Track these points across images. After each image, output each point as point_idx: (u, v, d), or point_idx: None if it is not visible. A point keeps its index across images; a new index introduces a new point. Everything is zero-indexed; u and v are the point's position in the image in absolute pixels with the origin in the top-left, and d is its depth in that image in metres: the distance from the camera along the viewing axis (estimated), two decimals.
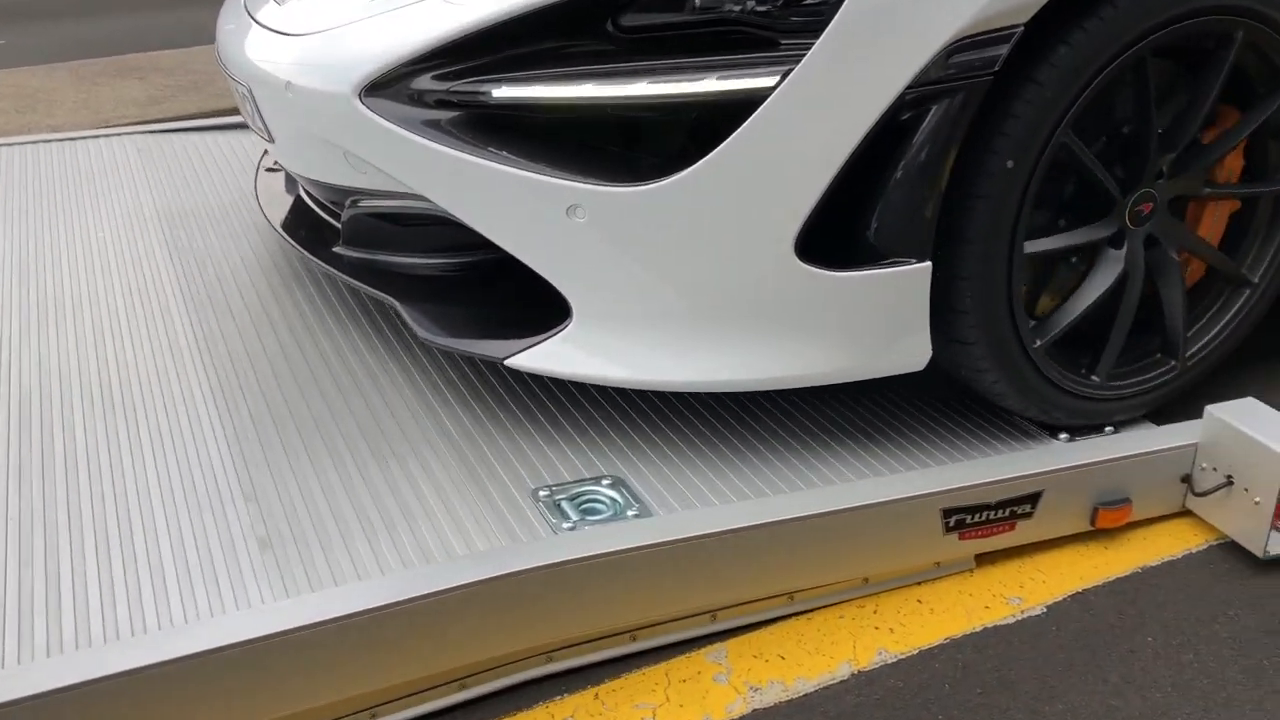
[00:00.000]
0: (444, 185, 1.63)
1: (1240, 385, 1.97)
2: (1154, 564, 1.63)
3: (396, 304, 1.80)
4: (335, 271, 1.92)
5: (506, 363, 1.66)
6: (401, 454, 1.67)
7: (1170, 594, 1.57)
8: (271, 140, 1.96)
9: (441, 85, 1.60)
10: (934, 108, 1.47)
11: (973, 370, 1.69)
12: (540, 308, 1.66)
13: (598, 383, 1.68)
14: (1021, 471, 1.58)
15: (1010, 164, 1.53)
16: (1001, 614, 1.55)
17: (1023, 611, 1.55)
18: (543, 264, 1.61)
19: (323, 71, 1.71)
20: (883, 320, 1.60)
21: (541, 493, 1.58)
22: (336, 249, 1.95)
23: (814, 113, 1.47)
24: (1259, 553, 1.60)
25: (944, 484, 1.55)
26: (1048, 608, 1.56)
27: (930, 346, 1.63)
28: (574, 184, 1.53)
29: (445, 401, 1.82)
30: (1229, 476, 1.62)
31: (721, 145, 1.48)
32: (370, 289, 1.85)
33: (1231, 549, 1.65)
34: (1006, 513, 1.60)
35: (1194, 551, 1.66)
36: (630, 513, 1.54)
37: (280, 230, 2.15)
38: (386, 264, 1.88)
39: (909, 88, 1.46)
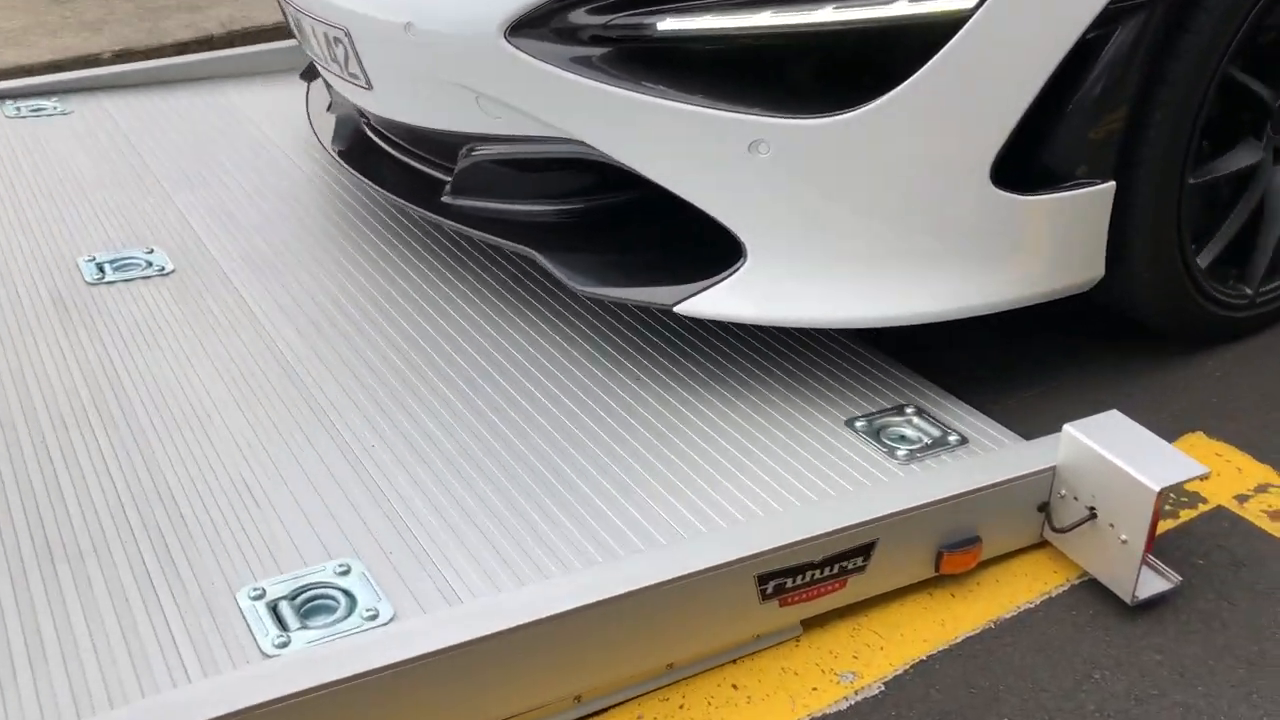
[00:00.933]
0: (603, 127, 1.56)
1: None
2: (1008, 615, 1.38)
3: (536, 254, 1.71)
4: (450, 222, 1.83)
5: (677, 309, 1.59)
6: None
7: (1027, 655, 1.32)
8: (368, 87, 1.85)
9: (597, 19, 1.52)
10: (1130, 22, 1.50)
11: (1129, 292, 1.74)
12: (698, 250, 1.62)
13: (778, 324, 1.61)
14: (849, 520, 1.31)
15: (1184, 83, 1.58)
16: (832, 697, 1.28)
17: (856, 692, 1.28)
18: (715, 205, 1.55)
19: (458, 10, 1.60)
20: (1066, 242, 1.62)
21: (250, 594, 1.24)
22: (446, 199, 1.86)
23: (1016, 33, 1.44)
24: (1127, 599, 1.36)
25: (756, 546, 1.26)
26: (885, 684, 1.29)
27: (1104, 264, 1.67)
28: (757, 118, 1.46)
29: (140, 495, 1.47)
30: (1091, 509, 1.38)
31: (918, 72, 1.43)
32: (500, 240, 1.76)
33: (1095, 589, 1.41)
34: (835, 569, 1.33)
35: (1054, 595, 1.41)
36: (365, 614, 1.21)
37: (369, 181, 2.01)
38: (509, 213, 1.82)
39: (1111, 2, 1.46)
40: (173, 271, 1.95)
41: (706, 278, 1.59)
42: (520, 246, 1.75)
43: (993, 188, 1.52)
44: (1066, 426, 1.40)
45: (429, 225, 2.17)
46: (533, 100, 1.60)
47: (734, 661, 1.31)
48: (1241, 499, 1.56)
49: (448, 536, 1.35)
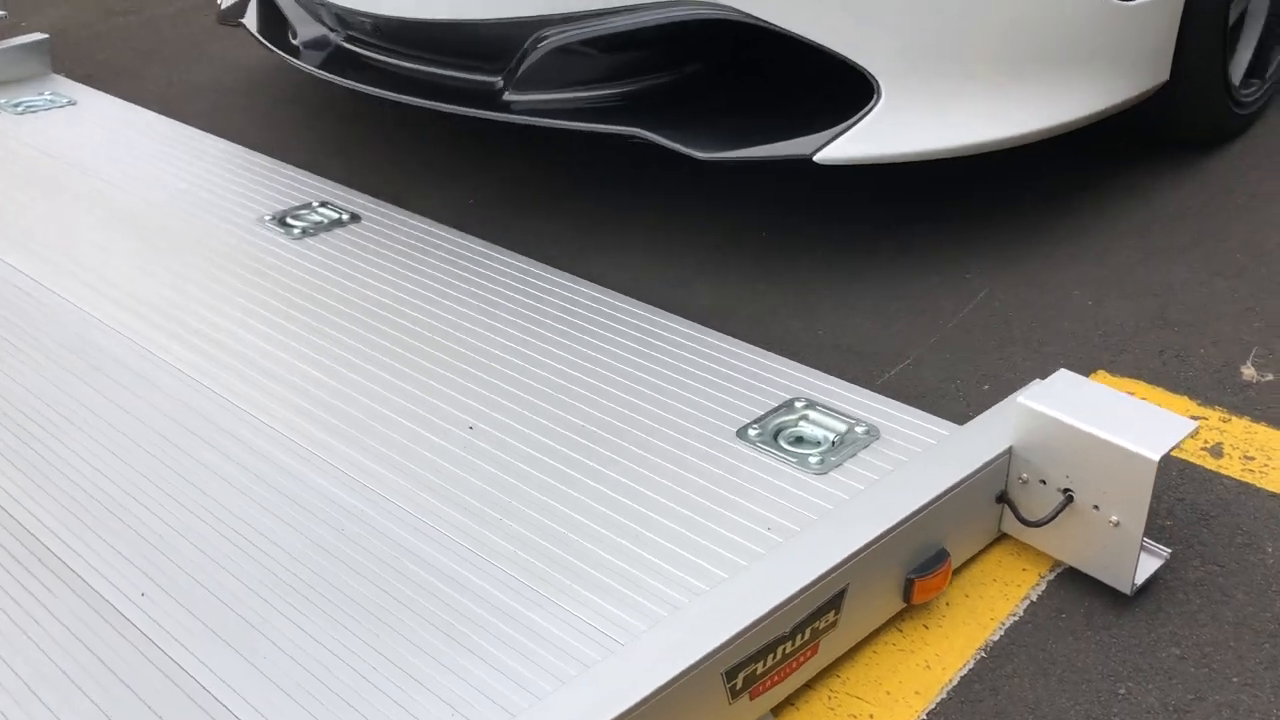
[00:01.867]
0: None
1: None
2: (996, 638, 1.14)
3: (646, 134, 1.71)
4: (521, 119, 1.82)
5: (817, 158, 1.62)
6: None
7: (1037, 683, 1.09)
8: None
9: None
10: None
11: (1176, 100, 1.94)
12: (811, 106, 1.68)
13: (915, 159, 1.64)
14: (813, 573, 1.02)
15: None
16: None
17: None
18: (849, 45, 1.59)
19: None
20: (1151, 44, 1.80)
21: None
22: (509, 96, 1.86)
23: None
24: (1125, 588, 1.15)
25: (715, 637, 0.95)
26: None
27: (1169, 69, 1.86)
28: None
29: None
30: (1066, 491, 1.16)
31: None
32: (596, 126, 1.75)
33: (1076, 581, 1.20)
34: (806, 635, 1.04)
35: (1035, 600, 1.18)
36: None
37: (399, 96, 1.98)
38: (596, 99, 1.81)
39: None
40: None
41: (836, 123, 1.63)
42: (623, 128, 1.73)
43: None
44: (1018, 398, 1.17)
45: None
46: None
47: None
48: None
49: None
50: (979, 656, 1.12)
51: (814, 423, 1.34)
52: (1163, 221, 1.88)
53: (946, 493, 1.13)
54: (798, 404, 1.38)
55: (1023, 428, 1.17)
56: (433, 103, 1.95)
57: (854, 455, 1.27)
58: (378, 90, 2.03)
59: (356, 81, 2.07)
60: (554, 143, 2.32)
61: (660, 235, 1.95)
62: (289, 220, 1.91)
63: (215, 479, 1.26)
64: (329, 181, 2.06)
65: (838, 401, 1.37)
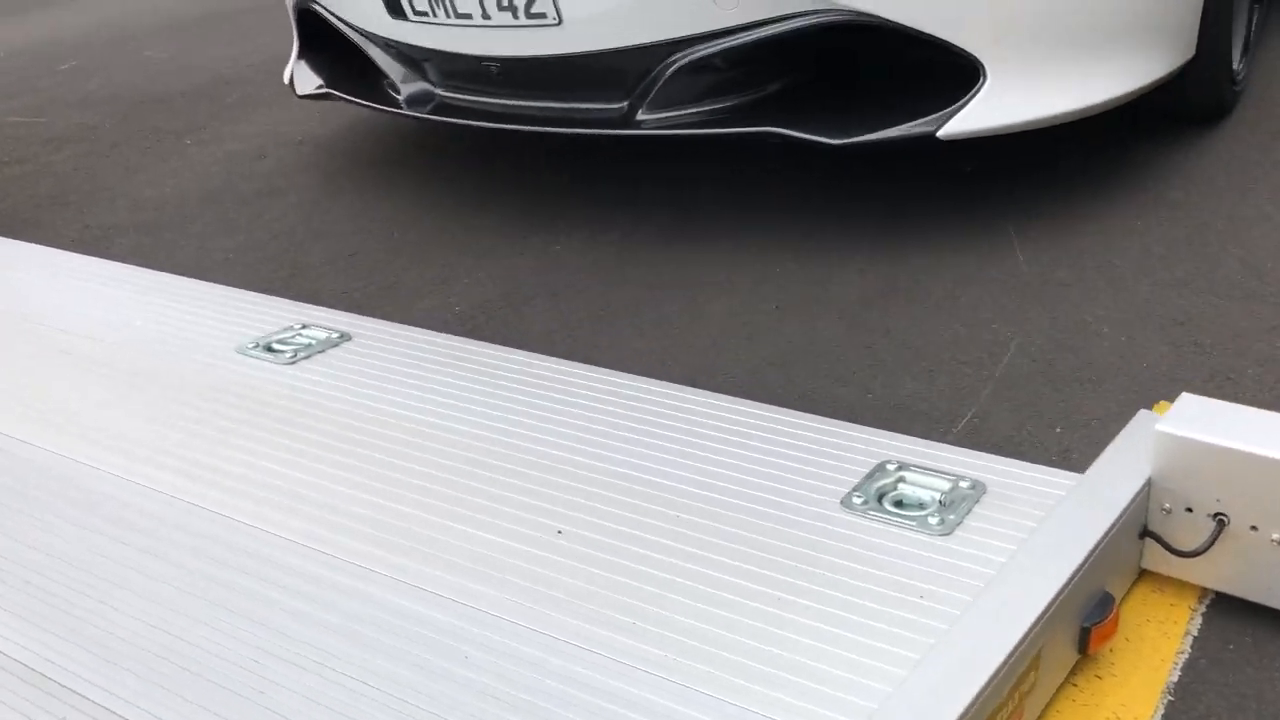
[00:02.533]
0: None
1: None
2: (1175, 679, 1.08)
3: (780, 130, 1.95)
4: (658, 132, 2.04)
5: (940, 134, 1.87)
6: None
7: None
8: (557, 22, 2.01)
9: None
10: None
11: (1191, 81, 2.26)
12: (920, 92, 1.93)
13: (1026, 128, 1.91)
14: (1021, 631, 0.95)
15: None
16: None
17: None
18: (957, 34, 1.85)
19: None
20: (1186, 22, 2.11)
21: None
22: (642, 116, 2.06)
23: None
24: None
25: (948, 715, 0.87)
26: None
27: (1195, 46, 2.16)
28: None
29: None
30: (1218, 515, 1.12)
31: None
32: (731, 129, 1.98)
33: (1233, 610, 1.15)
34: (1016, 699, 0.96)
35: (1198, 635, 1.13)
36: None
37: (536, 128, 2.18)
38: (724, 109, 2.04)
39: None
40: None
41: (950, 104, 1.90)
42: (756, 129, 1.99)
43: None
44: (1156, 426, 1.13)
45: None
46: None
47: None
48: None
49: None
50: (1166, 700, 1.05)
51: (913, 484, 1.28)
52: (1168, 249, 1.91)
53: (1106, 535, 1.07)
54: (889, 466, 1.31)
55: (1163, 455, 1.13)
56: (565, 129, 2.16)
57: (970, 511, 1.21)
58: (497, 125, 2.25)
59: (471, 120, 2.29)
60: (515, 242, 2.25)
61: (672, 330, 1.89)
62: (275, 346, 1.78)
63: (303, 623, 1.13)
64: (301, 304, 1.93)
65: (927, 460, 1.32)
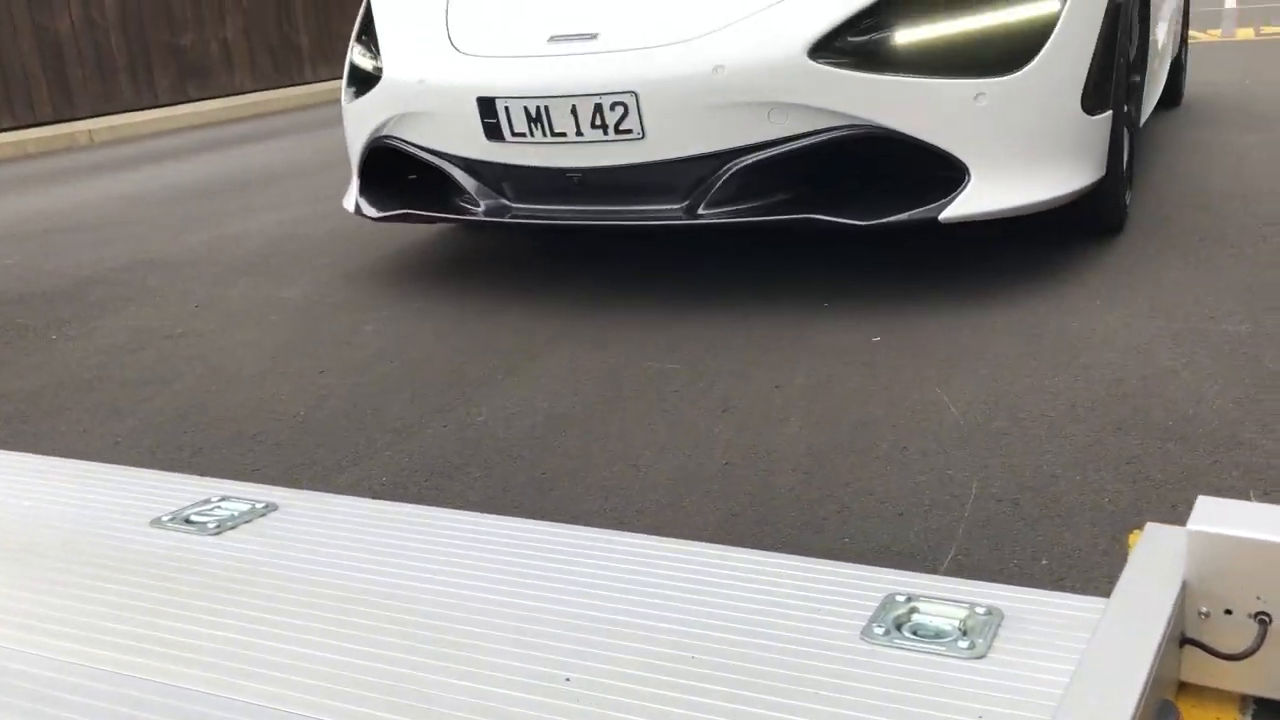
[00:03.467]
0: (879, 105, 2.43)
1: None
2: None
3: (818, 216, 2.50)
4: (717, 221, 2.57)
5: (941, 218, 2.47)
6: None
7: None
8: (640, 137, 2.54)
9: (863, 36, 2.44)
10: (1121, 11, 2.77)
11: (1098, 193, 2.82)
12: (914, 185, 2.55)
13: (1003, 215, 2.53)
14: None
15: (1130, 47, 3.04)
16: None
17: None
18: (951, 143, 2.47)
19: (767, 46, 2.43)
20: (1100, 145, 2.73)
21: None
22: (702, 211, 2.57)
23: (1078, 22, 2.59)
24: None
25: None
26: None
27: (1105, 165, 2.77)
28: (980, 80, 2.46)
29: None
30: (1260, 615, 1.09)
31: (1044, 46, 2.53)
32: (779, 218, 2.53)
33: (1273, 715, 1.12)
34: None
35: None
36: None
37: (609, 222, 2.71)
38: (771, 204, 2.57)
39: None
40: None
41: (944, 196, 2.50)
42: (798, 216, 2.52)
43: (1082, 113, 2.63)
44: (1190, 526, 1.11)
45: None
46: (827, 98, 2.43)
47: None
48: None
49: None
50: None
51: (927, 613, 1.22)
52: (1093, 401, 1.97)
53: (1162, 643, 1.03)
54: (899, 598, 1.25)
55: (1197, 557, 1.11)
56: (633, 222, 2.63)
57: (997, 634, 1.16)
58: (569, 223, 2.71)
59: (546, 222, 2.74)
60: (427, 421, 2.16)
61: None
62: (194, 519, 1.62)
63: None
64: (210, 479, 1.78)
65: (934, 590, 1.26)
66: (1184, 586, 1.12)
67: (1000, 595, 1.25)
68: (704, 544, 1.43)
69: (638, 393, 2.21)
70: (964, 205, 2.47)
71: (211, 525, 1.58)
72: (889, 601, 1.25)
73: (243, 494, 1.70)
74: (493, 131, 2.69)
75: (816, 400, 2.09)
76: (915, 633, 1.19)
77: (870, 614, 1.22)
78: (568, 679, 1.12)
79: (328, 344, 2.72)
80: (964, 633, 1.17)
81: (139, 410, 2.35)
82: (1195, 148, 4.44)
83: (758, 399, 2.12)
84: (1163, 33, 4.23)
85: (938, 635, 1.18)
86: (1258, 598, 1.09)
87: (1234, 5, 9.99)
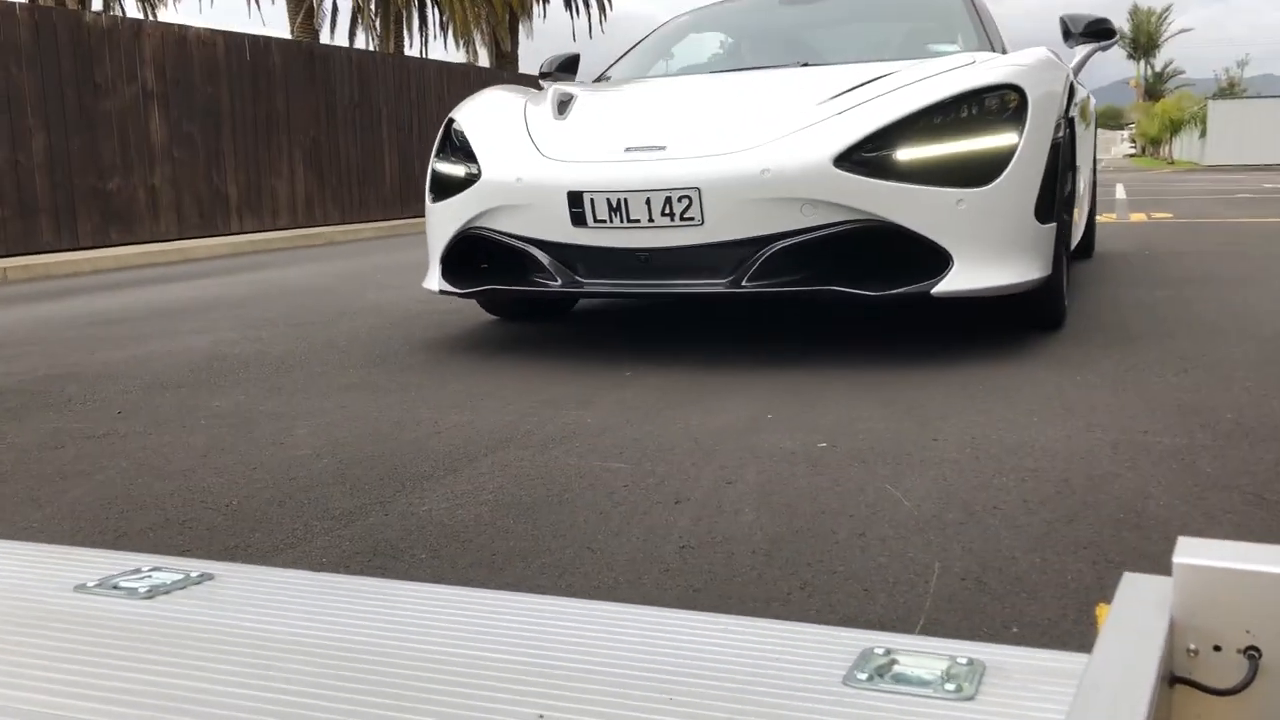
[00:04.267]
0: (887, 205, 3.15)
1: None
2: None
3: (835, 288, 3.19)
4: (755, 290, 3.23)
5: (933, 292, 3.18)
6: None
7: None
8: (700, 223, 3.21)
9: (873, 153, 3.21)
10: (1060, 145, 3.55)
11: (1041, 290, 3.52)
12: (904, 265, 3.25)
13: (977, 295, 3.23)
14: None
15: (1067, 174, 3.97)
16: None
17: None
18: (940, 236, 3.18)
19: (802, 157, 3.18)
20: (1047, 250, 3.44)
21: None
22: (746, 283, 3.22)
23: (1032, 148, 3.35)
24: None
25: None
26: None
27: (1051, 265, 3.50)
28: (961, 190, 3.21)
29: None
30: (1250, 650, 1.07)
31: (1008, 167, 3.28)
32: (802, 289, 3.20)
33: None
34: None
35: None
36: None
37: (669, 289, 3.36)
38: (801, 278, 3.22)
39: (1056, 134, 3.51)
40: None
41: (935, 276, 3.20)
42: (821, 288, 3.19)
43: (1035, 220, 3.35)
44: (1176, 559, 1.10)
45: None
46: (847, 197, 3.14)
47: None
48: None
49: None
50: None
51: (907, 665, 1.18)
52: (1045, 496, 1.97)
53: (1154, 683, 1.01)
54: (877, 651, 1.21)
55: (1184, 591, 1.09)
56: (686, 292, 3.25)
57: (983, 681, 1.12)
58: (633, 293, 3.34)
59: (610, 292, 3.38)
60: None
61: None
62: (122, 584, 1.51)
63: None
64: (139, 553, 1.68)
65: (912, 645, 1.23)
66: (1171, 625, 1.10)
67: (980, 650, 1.21)
68: (671, 609, 1.38)
69: (587, 487, 2.16)
70: (949, 283, 3.16)
71: (143, 590, 1.48)
72: (868, 654, 1.20)
73: (176, 566, 1.61)
74: (578, 219, 3.30)
75: (770, 494, 2.06)
76: (898, 680, 1.14)
77: (851, 663, 1.17)
78: (540, 716, 1.05)
79: (261, 444, 2.63)
80: (949, 678, 1.13)
81: (58, 499, 2.23)
82: (1112, 301, 4.65)
83: (710, 492, 2.09)
84: (1083, 183, 5.12)
85: (922, 682, 1.14)
86: (1247, 631, 1.07)
87: (1124, 196, 10.70)
